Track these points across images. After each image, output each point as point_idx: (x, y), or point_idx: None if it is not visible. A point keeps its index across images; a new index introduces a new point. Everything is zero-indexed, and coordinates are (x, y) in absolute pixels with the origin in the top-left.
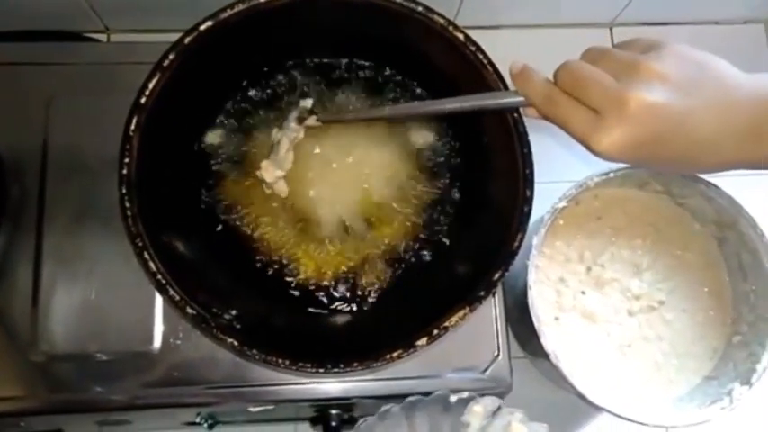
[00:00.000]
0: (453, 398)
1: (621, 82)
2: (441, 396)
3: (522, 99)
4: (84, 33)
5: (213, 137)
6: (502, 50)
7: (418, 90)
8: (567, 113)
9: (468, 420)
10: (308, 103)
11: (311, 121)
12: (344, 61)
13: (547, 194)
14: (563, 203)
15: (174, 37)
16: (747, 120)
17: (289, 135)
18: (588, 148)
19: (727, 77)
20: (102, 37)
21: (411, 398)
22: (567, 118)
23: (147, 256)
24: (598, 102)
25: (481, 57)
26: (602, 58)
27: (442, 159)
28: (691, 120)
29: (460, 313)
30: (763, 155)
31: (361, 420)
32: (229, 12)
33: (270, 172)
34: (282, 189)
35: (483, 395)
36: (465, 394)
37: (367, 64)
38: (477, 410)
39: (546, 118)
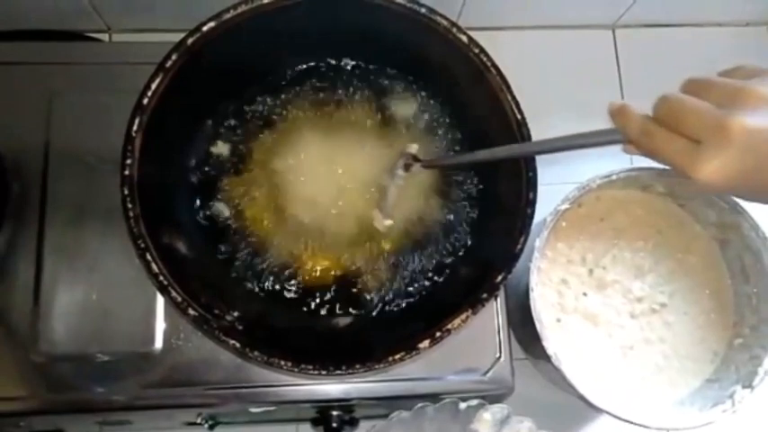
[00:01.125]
0: (462, 405)
1: (723, 109)
2: (450, 403)
3: (620, 136)
4: (86, 33)
5: (216, 138)
6: (504, 52)
7: (421, 91)
8: (664, 145)
9: (477, 428)
10: (413, 148)
11: (416, 168)
12: (347, 62)
13: (549, 196)
14: (565, 205)
15: (176, 37)
16: None
17: (397, 183)
18: (688, 177)
19: None
20: (105, 36)
21: (420, 405)
22: (664, 150)
23: (149, 257)
24: (697, 130)
25: (484, 59)
26: (704, 88)
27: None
28: None
29: (463, 316)
30: None
31: (371, 426)
32: (232, 12)
33: (379, 220)
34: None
35: (490, 401)
36: (474, 402)
37: (370, 66)
38: (487, 418)
39: (645, 153)
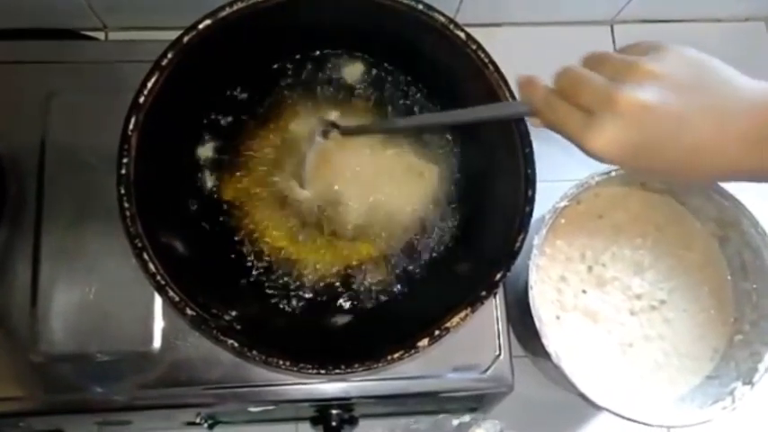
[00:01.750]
0: (455, 422)
1: (615, 82)
2: (442, 420)
3: (527, 108)
4: (82, 31)
5: (213, 135)
6: (502, 48)
7: (418, 88)
8: (562, 116)
9: None
10: (331, 115)
11: (335, 134)
12: (345, 59)
13: (548, 193)
14: (564, 202)
15: (173, 35)
16: (748, 127)
17: (315, 150)
18: (581, 148)
19: (729, 81)
20: (101, 35)
21: (413, 421)
22: (562, 120)
23: (146, 256)
24: (590, 102)
25: (482, 55)
26: (601, 62)
27: (443, 160)
28: (687, 123)
29: (462, 314)
30: (762, 166)
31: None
32: (228, 10)
33: (297, 191)
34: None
35: (489, 399)
36: (467, 418)
37: (368, 61)
38: None
39: (548, 125)
